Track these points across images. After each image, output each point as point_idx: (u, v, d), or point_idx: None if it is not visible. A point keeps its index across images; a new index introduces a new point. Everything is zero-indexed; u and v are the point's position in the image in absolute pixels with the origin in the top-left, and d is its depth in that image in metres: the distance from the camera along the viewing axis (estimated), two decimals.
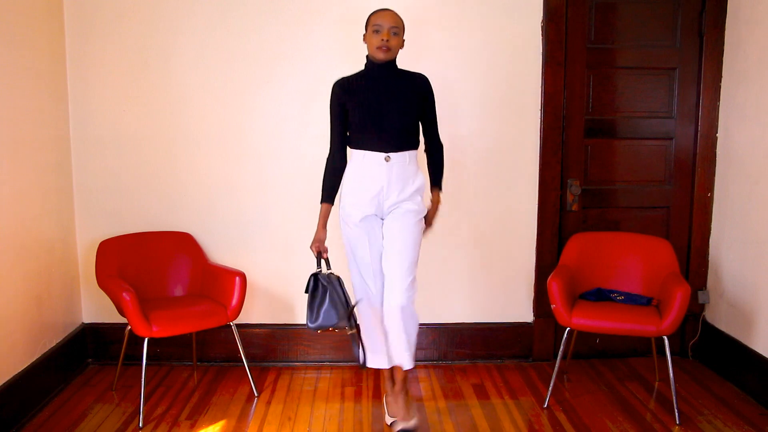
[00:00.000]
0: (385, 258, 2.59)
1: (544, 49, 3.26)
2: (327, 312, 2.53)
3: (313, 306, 2.56)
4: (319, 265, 2.63)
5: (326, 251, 2.64)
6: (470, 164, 3.32)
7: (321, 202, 2.65)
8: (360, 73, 2.63)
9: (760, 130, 2.97)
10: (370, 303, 2.66)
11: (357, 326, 2.62)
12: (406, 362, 2.59)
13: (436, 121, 2.73)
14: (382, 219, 2.64)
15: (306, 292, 2.59)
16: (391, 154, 2.55)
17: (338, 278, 2.59)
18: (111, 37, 3.20)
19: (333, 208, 2.67)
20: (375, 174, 2.57)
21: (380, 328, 2.63)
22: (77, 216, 3.30)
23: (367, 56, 2.60)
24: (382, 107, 2.54)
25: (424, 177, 2.67)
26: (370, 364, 2.74)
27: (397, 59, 2.60)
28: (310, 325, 2.55)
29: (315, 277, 2.59)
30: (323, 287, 2.56)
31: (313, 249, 2.64)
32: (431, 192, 2.72)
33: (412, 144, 2.62)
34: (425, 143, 2.73)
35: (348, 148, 2.65)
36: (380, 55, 2.51)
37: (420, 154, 2.69)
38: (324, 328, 2.56)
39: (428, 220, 2.72)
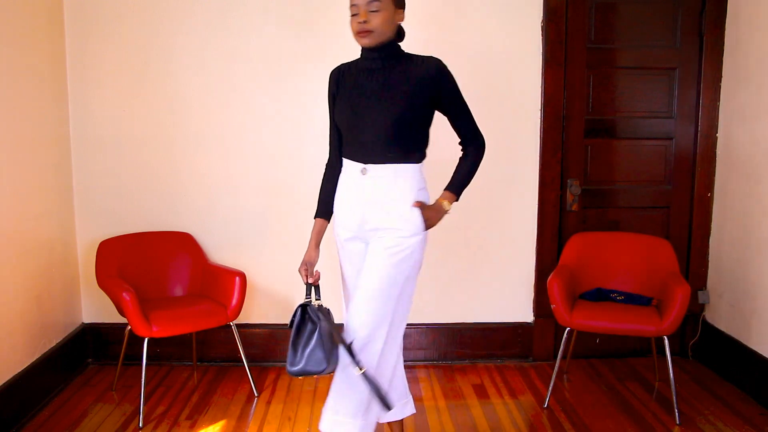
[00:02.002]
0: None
1: (544, 49, 3.26)
2: (312, 354, 1.99)
3: (297, 345, 2.03)
4: (308, 293, 2.12)
5: (317, 277, 2.15)
6: None
7: (315, 217, 2.24)
8: (354, 61, 2.22)
9: (760, 130, 2.97)
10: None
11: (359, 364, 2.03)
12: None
13: (468, 113, 2.19)
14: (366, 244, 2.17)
15: (290, 327, 2.08)
16: (368, 166, 2.09)
17: (328, 311, 2.08)
18: (111, 37, 3.20)
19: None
20: (352, 188, 2.14)
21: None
22: (77, 216, 3.30)
23: None
24: (363, 105, 2.08)
25: (427, 198, 2.19)
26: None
27: (398, 43, 2.16)
28: (291, 369, 2.02)
29: (303, 308, 2.07)
30: (312, 322, 2.03)
31: (302, 272, 2.15)
32: (441, 195, 2.21)
33: (402, 155, 2.09)
34: (460, 143, 2.25)
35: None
36: (363, 41, 2.07)
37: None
38: (307, 375, 2.02)
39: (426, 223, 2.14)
